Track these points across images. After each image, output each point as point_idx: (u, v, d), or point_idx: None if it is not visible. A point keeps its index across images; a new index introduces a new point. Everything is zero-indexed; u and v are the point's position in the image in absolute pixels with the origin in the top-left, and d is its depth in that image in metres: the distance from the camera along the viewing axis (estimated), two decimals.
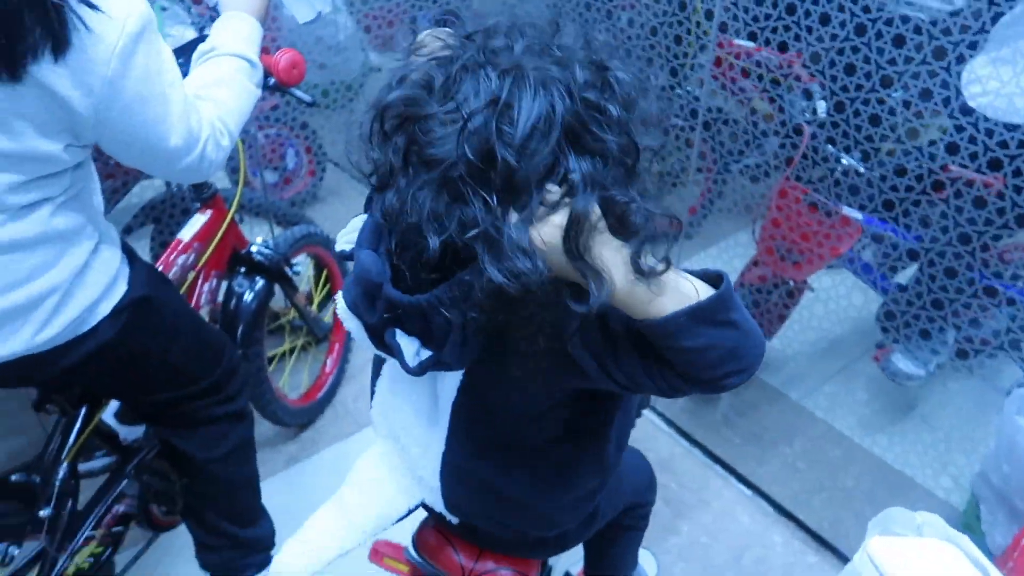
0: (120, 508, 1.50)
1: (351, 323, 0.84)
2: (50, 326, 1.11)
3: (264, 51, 1.36)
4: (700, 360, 0.71)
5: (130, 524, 1.56)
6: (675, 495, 1.98)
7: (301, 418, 2.14)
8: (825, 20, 1.51)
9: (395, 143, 0.71)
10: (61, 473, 1.35)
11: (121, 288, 1.20)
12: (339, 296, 0.84)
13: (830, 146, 1.85)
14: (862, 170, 1.80)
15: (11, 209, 1.03)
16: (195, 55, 1.27)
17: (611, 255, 0.67)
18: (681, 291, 0.69)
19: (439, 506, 0.97)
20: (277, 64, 1.32)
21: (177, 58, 1.30)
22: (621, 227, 0.68)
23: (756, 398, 2.26)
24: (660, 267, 0.68)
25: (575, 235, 0.65)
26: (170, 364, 1.32)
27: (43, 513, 1.32)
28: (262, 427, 2.05)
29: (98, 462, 1.52)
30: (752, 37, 1.77)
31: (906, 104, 1.51)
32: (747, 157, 2.06)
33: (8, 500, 1.31)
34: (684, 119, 2.23)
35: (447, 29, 0.85)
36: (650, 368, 0.74)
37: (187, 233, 1.66)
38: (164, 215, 2.12)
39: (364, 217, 0.84)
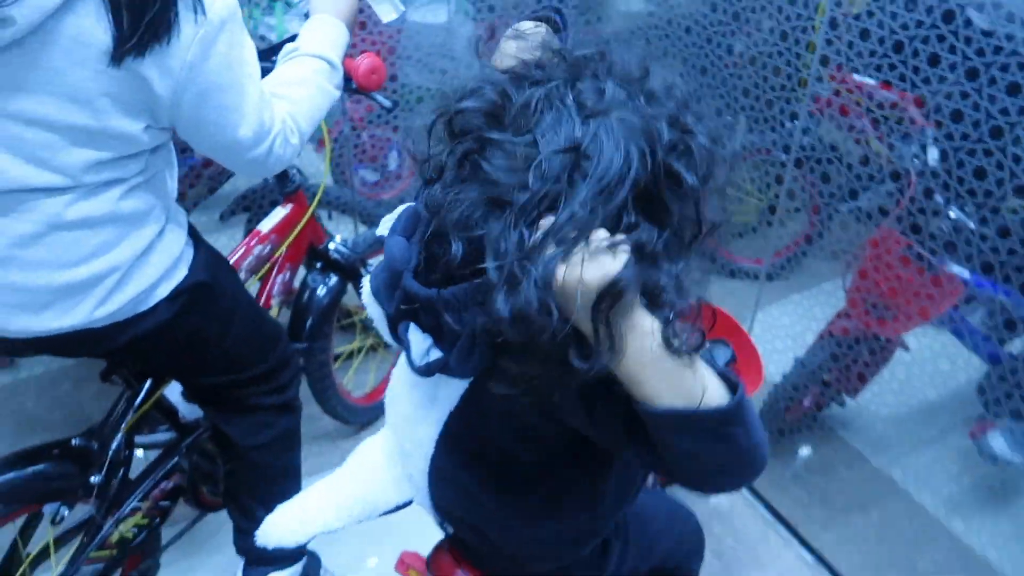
0: (169, 484, 1.56)
1: (373, 310, 0.83)
2: (109, 303, 1.15)
3: (348, 56, 1.38)
4: (685, 463, 0.66)
5: (178, 500, 1.61)
6: (729, 549, 1.87)
7: (362, 417, 2.16)
8: (934, 61, 1.39)
9: (456, 148, 0.69)
10: (116, 443, 1.41)
11: (182, 272, 1.24)
12: (366, 279, 0.83)
13: (939, 197, 1.71)
14: (972, 226, 1.65)
15: (85, 187, 1.07)
16: (281, 54, 1.31)
17: (633, 324, 0.62)
18: (687, 384, 0.63)
19: (427, 507, 0.95)
20: (357, 68, 1.34)
21: (267, 58, 1.34)
22: (651, 303, 0.64)
23: (833, 457, 2.12)
24: (685, 348, 0.62)
25: (609, 302, 0.60)
26: (223, 349, 1.36)
27: (94, 479, 1.38)
28: (324, 421, 2.09)
29: (158, 436, 1.59)
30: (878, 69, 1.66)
31: (1015, 159, 1.37)
32: (859, 199, 1.93)
33: (67, 462, 1.38)
34: (779, 152, 2.13)
35: (541, 31, 0.83)
36: (637, 443, 0.69)
37: (266, 225, 1.71)
38: (255, 205, 2.20)
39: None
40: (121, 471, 1.44)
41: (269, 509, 1.56)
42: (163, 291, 1.21)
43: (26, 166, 1.02)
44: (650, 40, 2.16)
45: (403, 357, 0.93)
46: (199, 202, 2.56)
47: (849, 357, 1.93)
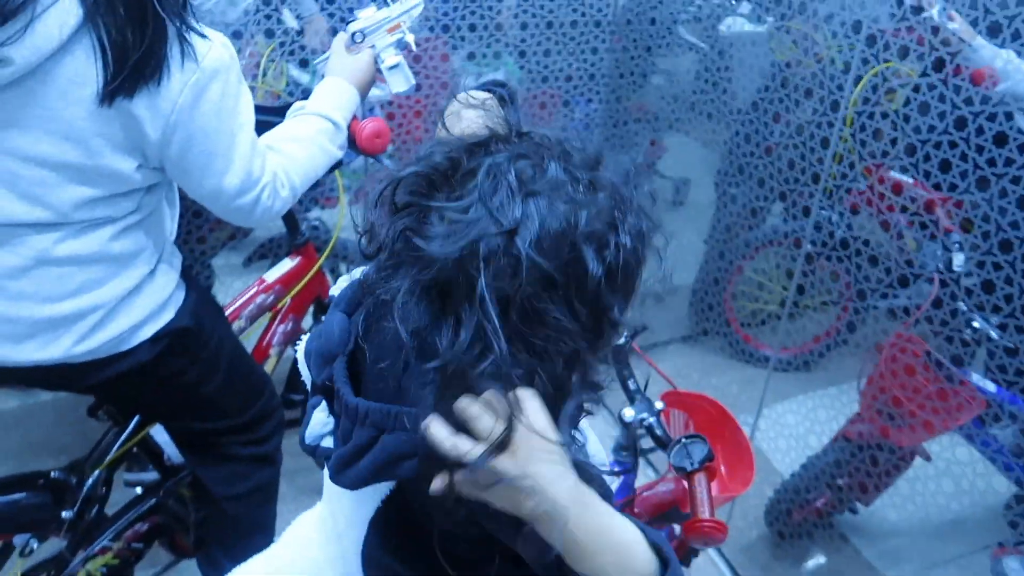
0: (145, 525, 1.55)
1: (303, 369, 0.80)
2: (90, 339, 1.16)
3: (355, 120, 1.41)
4: None
5: (152, 543, 1.60)
6: None
7: None
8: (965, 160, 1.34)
9: (395, 223, 0.67)
10: (93, 478, 1.42)
11: (168, 315, 1.25)
12: (303, 339, 0.81)
13: (962, 304, 1.63)
14: (994, 335, 1.57)
15: (74, 225, 1.10)
16: (289, 111, 1.34)
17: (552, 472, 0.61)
18: (623, 552, 0.64)
19: None
20: (361, 132, 1.36)
21: (280, 115, 1.38)
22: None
23: (844, 567, 2.00)
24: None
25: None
26: (203, 395, 1.36)
27: (65, 514, 1.38)
28: (314, 476, 2.06)
29: (143, 476, 1.59)
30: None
31: None
32: (895, 297, 1.86)
33: (43, 493, 1.38)
34: (813, 243, 2.07)
35: (489, 100, 0.82)
36: None
37: (272, 275, 1.74)
38: (275, 252, 2.24)
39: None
40: (95, 508, 1.44)
41: (236, 562, 1.53)
42: (146, 332, 1.23)
43: (19, 202, 1.05)
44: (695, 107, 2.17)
45: None
46: (220, 247, 2.62)
47: (862, 463, 1.83)
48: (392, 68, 1.41)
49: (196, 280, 1.37)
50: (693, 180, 2.99)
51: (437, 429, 0.61)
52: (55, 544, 1.44)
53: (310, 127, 1.28)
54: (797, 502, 1.91)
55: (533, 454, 0.61)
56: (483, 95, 0.83)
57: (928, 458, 1.86)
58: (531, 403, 0.61)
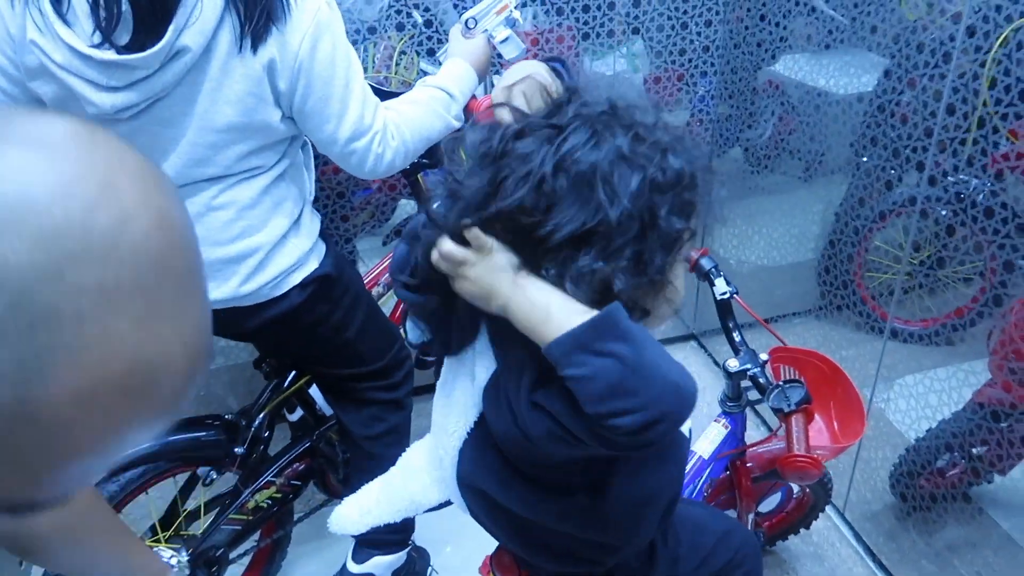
0: (301, 466, 1.76)
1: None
2: (252, 280, 1.36)
3: (474, 99, 1.54)
4: (582, 391, 0.70)
5: (308, 482, 1.81)
6: None
7: None
8: None
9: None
10: (258, 421, 1.64)
11: (313, 264, 1.44)
12: None
13: None
14: None
15: (235, 174, 1.30)
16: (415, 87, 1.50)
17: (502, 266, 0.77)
18: (570, 313, 0.73)
19: (464, 511, 1.02)
20: (480, 106, 1.49)
21: None
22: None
23: (979, 539, 1.93)
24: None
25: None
26: (345, 340, 1.54)
27: (237, 450, 1.61)
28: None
29: (297, 421, 1.80)
30: None
31: None
32: None
33: (219, 431, 1.62)
34: (951, 207, 2.00)
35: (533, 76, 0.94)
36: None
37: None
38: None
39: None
40: (261, 447, 1.66)
41: None
42: (296, 278, 1.41)
43: (195, 167, 1.26)
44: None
45: (444, 367, 1.03)
46: (361, 227, 2.85)
47: (995, 428, 1.77)
48: (503, 41, 1.56)
49: (332, 240, 1.56)
50: (827, 154, 2.93)
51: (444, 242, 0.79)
52: (229, 480, 1.68)
53: (425, 93, 1.45)
54: (924, 468, 1.87)
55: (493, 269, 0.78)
56: (529, 69, 0.94)
57: None
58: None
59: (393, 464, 1.68)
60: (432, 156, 1.68)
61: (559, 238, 0.73)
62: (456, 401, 0.94)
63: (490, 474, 0.93)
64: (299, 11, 1.20)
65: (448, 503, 1.07)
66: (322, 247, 1.47)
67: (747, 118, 2.53)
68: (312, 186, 1.48)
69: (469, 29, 1.55)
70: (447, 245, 0.79)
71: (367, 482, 1.65)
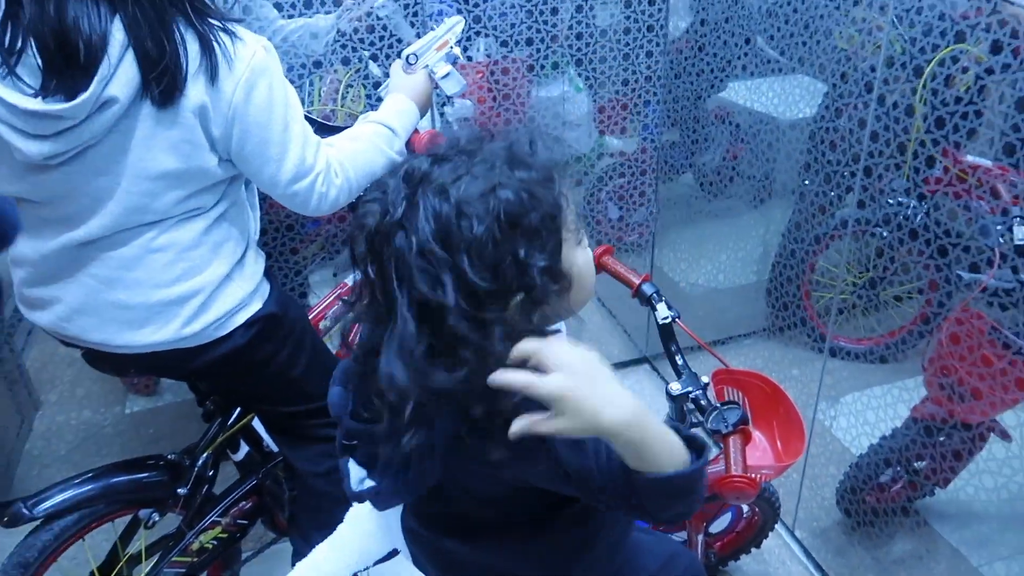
0: (248, 504, 1.73)
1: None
2: (195, 322, 1.34)
3: (416, 132, 1.56)
4: (669, 510, 0.77)
5: (255, 521, 1.78)
6: None
7: None
8: None
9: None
10: (202, 460, 1.61)
11: (257, 304, 1.42)
12: None
13: None
14: None
15: (174, 216, 1.29)
16: (356, 122, 1.51)
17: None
18: (673, 448, 0.75)
19: (409, 559, 1.02)
20: (420, 140, 1.51)
21: None
22: None
23: (925, 552, 1.97)
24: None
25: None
26: (291, 378, 1.52)
27: (181, 491, 1.58)
28: None
29: (242, 460, 1.78)
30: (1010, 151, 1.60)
31: None
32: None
33: (162, 472, 1.59)
34: (888, 230, 2.07)
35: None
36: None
37: (352, 279, 1.91)
38: None
39: None
40: (205, 486, 1.63)
41: (323, 533, 1.70)
42: (240, 318, 1.40)
43: (131, 214, 1.25)
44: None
45: None
46: (312, 260, 2.84)
47: (933, 443, 1.81)
48: (444, 77, 1.57)
49: (276, 278, 1.55)
50: (775, 179, 3.01)
51: (503, 374, 0.67)
52: (173, 521, 1.64)
53: (368, 129, 1.45)
54: (867, 483, 1.91)
55: (593, 376, 0.69)
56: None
57: (1008, 438, 1.82)
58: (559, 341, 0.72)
59: (340, 501, 1.68)
60: None
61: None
62: None
63: (434, 517, 0.94)
64: (233, 59, 1.20)
65: (394, 553, 1.07)
66: (266, 287, 1.46)
67: (692, 145, 2.59)
68: (256, 225, 1.47)
69: (410, 65, 1.57)
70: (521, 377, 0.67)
71: (314, 521, 1.65)
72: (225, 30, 1.21)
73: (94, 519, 1.50)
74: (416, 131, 1.55)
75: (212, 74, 1.18)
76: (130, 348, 1.34)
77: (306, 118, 1.66)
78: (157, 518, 1.60)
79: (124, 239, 1.28)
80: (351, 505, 1.68)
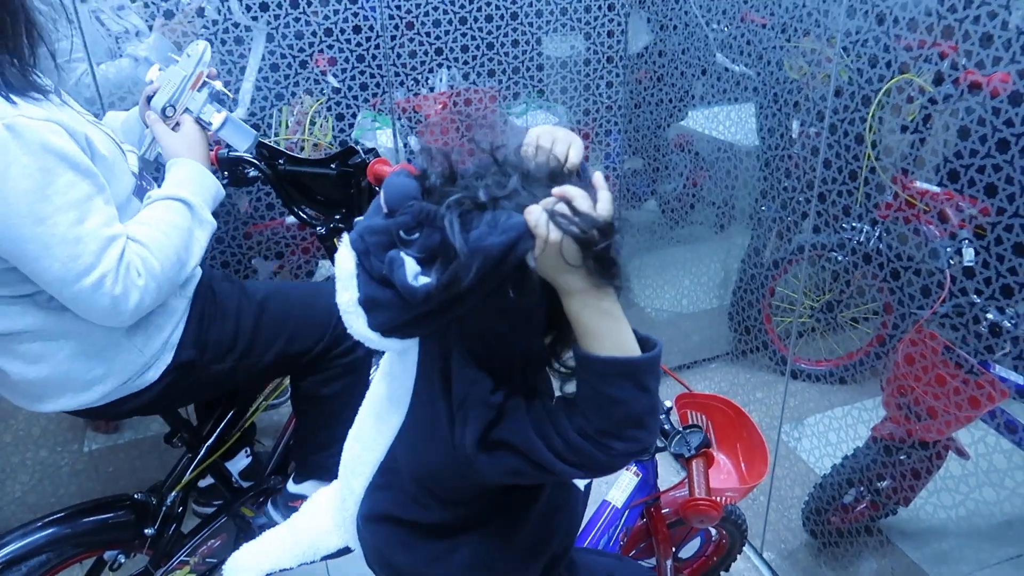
0: (216, 543, 1.71)
1: (349, 264, 0.82)
2: (90, 392, 1.28)
3: (386, 163, 1.57)
4: (608, 412, 0.75)
5: (225, 559, 1.75)
6: None
7: None
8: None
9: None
10: (169, 499, 1.59)
11: (166, 358, 1.34)
12: (344, 247, 0.83)
13: (976, 297, 1.68)
14: (1007, 325, 1.61)
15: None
16: (143, 202, 1.33)
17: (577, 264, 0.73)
18: (623, 337, 0.76)
19: (362, 555, 1.01)
20: (383, 176, 1.52)
21: (321, 167, 1.55)
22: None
23: (891, 570, 2.01)
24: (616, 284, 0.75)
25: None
26: (265, 364, 1.48)
27: (148, 531, 1.55)
28: None
29: (212, 498, 1.75)
30: (954, 177, 1.67)
31: None
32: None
33: (127, 512, 1.56)
34: (843, 254, 2.13)
35: None
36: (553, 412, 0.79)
37: None
38: None
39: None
40: (173, 526, 1.61)
41: (322, 458, 1.63)
42: (150, 376, 1.33)
43: None
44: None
45: (364, 406, 1.02)
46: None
47: (893, 462, 1.86)
48: (222, 127, 1.39)
49: (211, 287, 1.43)
50: (736, 205, 3.08)
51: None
52: (140, 561, 1.61)
53: (160, 211, 1.27)
54: (832, 504, 1.94)
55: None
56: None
57: (966, 456, 1.87)
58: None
59: (347, 422, 1.64)
60: (348, 220, 1.69)
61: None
62: (369, 440, 0.96)
63: (393, 514, 0.94)
64: None
65: (347, 550, 1.06)
66: (176, 336, 1.34)
67: (654, 173, 2.65)
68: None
69: (168, 117, 1.39)
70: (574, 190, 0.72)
71: (315, 439, 1.61)
72: None
73: (59, 561, 1.46)
74: (387, 164, 1.56)
75: None
76: (42, 411, 1.31)
77: (270, 147, 1.67)
78: (123, 560, 1.57)
79: None
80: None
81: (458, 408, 0.81)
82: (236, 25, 1.95)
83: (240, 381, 1.52)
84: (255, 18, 1.99)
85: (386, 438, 0.94)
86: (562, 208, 0.71)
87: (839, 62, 1.77)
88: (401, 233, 0.76)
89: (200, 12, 2.00)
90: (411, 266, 0.74)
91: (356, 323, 0.79)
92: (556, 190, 0.72)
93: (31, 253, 1.10)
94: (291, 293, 1.58)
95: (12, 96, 1.09)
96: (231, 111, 1.52)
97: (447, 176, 0.79)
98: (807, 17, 1.75)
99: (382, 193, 0.80)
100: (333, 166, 1.65)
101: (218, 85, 1.40)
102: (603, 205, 0.74)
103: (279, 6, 1.95)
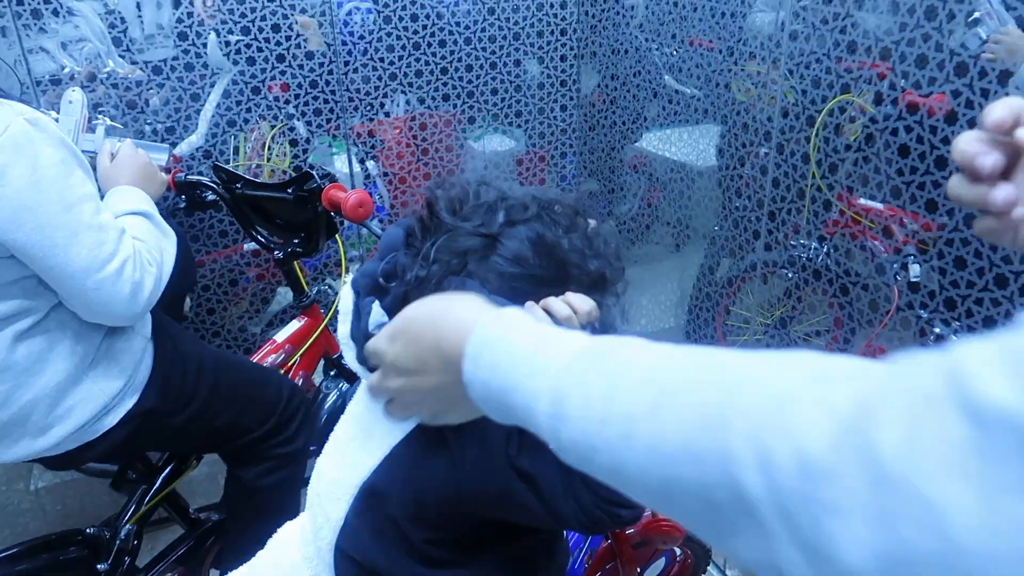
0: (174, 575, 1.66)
1: (347, 301, 0.87)
2: (48, 435, 1.23)
3: (341, 189, 1.57)
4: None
5: None
6: None
7: None
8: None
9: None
10: (123, 533, 1.55)
11: (129, 401, 1.30)
12: (346, 287, 0.88)
13: (922, 312, 1.74)
14: (953, 339, 1.66)
15: None
16: None
17: None
18: None
19: None
20: (346, 202, 1.51)
21: (279, 191, 1.54)
22: None
23: None
24: None
25: None
26: (216, 427, 1.46)
27: (100, 567, 1.51)
28: None
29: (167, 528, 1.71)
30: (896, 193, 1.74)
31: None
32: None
33: (80, 548, 1.51)
34: (793, 271, 2.18)
35: None
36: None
37: (281, 335, 1.88)
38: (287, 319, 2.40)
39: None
40: (128, 560, 1.56)
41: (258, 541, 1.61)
42: (110, 420, 1.28)
43: None
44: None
45: (337, 431, 1.01)
46: (245, 317, 2.79)
47: None
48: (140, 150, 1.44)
49: (166, 333, 1.40)
50: (691, 224, 3.15)
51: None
52: None
53: (125, 220, 1.27)
54: None
55: None
56: None
57: None
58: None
59: (282, 510, 1.59)
60: (307, 245, 1.68)
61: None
62: (352, 460, 0.94)
63: (376, 541, 0.93)
64: None
65: None
66: (143, 376, 1.32)
67: (610, 194, 2.69)
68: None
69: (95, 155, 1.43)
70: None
71: (252, 526, 1.55)
72: None
73: None
74: (341, 190, 1.55)
75: None
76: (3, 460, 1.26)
77: (228, 171, 1.66)
78: None
79: None
80: (293, 510, 1.63)
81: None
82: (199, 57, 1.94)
83: (186, 441, 1.49)
84: (228, 55, 1.98)
85: (375, 458, 0.91)
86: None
87: (783, 84, 1.84)
88: (380, 280, 0.81)
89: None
90: (376, 315, 0.79)
91: (347, 354, 0.83)
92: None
93: (60, 241, 1.09)
94: (246, 364, 1.61)
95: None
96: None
97: (429, 227, 0.82)
98: (752, 40, 1.81)
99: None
100: (290, 191, 1.65)
101: (107, 121, 1.49)
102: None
103: (229, 32, 1.95)
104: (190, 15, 1.95)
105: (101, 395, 1.26)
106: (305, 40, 2.05)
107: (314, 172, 1.64)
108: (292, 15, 2.01)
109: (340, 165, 2.61)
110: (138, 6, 2.14)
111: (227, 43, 1.96)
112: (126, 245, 1.17)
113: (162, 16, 2.15)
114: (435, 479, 0.86)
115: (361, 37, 2.25)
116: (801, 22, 1.61)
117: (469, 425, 0.69)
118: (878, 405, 0.32)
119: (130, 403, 1.30)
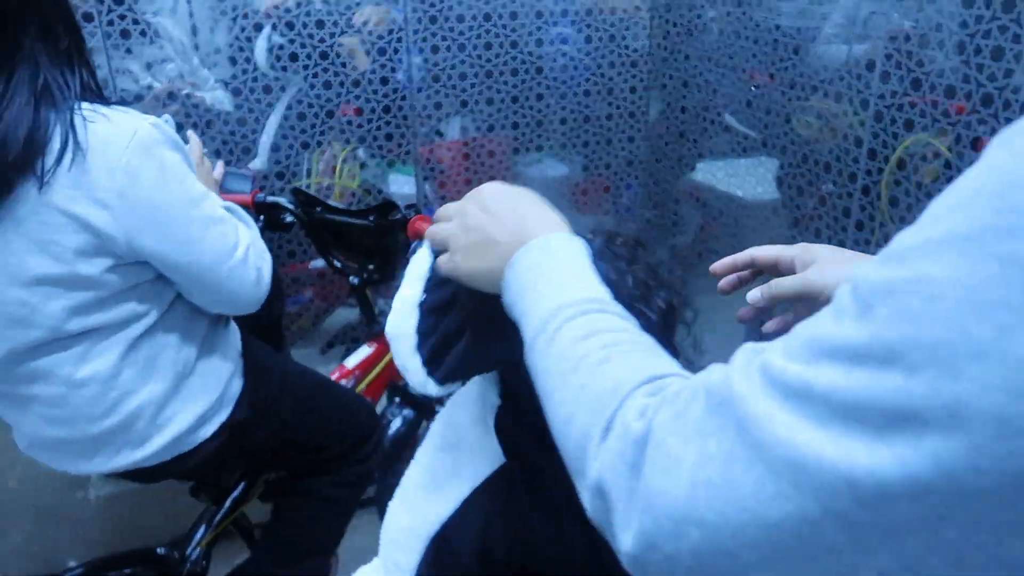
0: None
1: (423, 266, 0.87)
2: (147, 446, 1.24)
3: (428, 221, 1.57)
4: None
5: None
6: None
7: None
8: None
9: None
10: (194, 555, 1.55)
11: (223, 413, 1.31)
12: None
13: None
14: None
15: (79, 340, 1.14)
16: None
17: None
18: None
19: None
20: (424, 227, 1.52)
21: (356, 217, 1.55)
22: None
23: None
24: None
25: None
26: (298, 442, 1.47)
27: None
28: None
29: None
30: None
31: None
32: None
33: (149, 568, 1.52)
34: None
35: None
36: None
37: (351, 361, 1.89)
38: (350, 339, 2.41)
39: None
40: None
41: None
42: (203, 433, 1.29)
43: (14, 328, 1.10)
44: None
45: (407, 472, 0.99)
46: (304, 335, 2.81)
47: None
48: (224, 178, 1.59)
49: (253, 350, 1.42)
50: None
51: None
52: None
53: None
54: None
55: None
56: None
57: None
58: None
59: (329, 529, 1.57)
60: (382, 271, 1.69)
61: None
62: (421, 508, 0.91)
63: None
64: (104, 144, 1.05)
65: None
66: (235, 389, 1.33)
67: (671, 226, 2.67)
68: (212, 327, 1.32)
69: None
70: None
71: (306, 534, 1.56)
72: (96, 113, 1.07)
73: None
74: (428, 220, 1.55)
75: (79, 164, 1.03)
76: (92, 472, 1.27)
77: (307, 194, 1.67)
78: None
79: (41, 374, 1.16)
80: (340, 530, 1.60)
81: None
82: (265, 75, 1.97)
83: (269, 455, 1.49)
84: (284, 68, 2.01)
85: (445, 508, 0.89)
86: None
87: (855, 119, 1.82)
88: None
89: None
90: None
91: (396, 343, 0.88)
92: None
93: (194, 235, 1.14)
94: (329, 382, 1.63)
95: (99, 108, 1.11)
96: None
97: None
98: (838, 80, 1.79)
99: None
100: (371, 218, 1.66)
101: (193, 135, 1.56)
102: None
103: (308, 57, 1.98)
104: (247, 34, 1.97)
105: (198, 406, 1.27)
106: (353, 65, 2.06)
107: (397, 202, 1.64)
108: (365, 40, 2.03)
109: (395, 187, 2.62)
110: (193, 29, 2.17)
111: (293, 57, 1.97)
112: (243, 234, 1.23)
113: (217, 39, 2.17)
114: (505, 534, 0.83)
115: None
116: (892, 64, 1.58)
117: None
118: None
119: (224, 415, 1.31)
